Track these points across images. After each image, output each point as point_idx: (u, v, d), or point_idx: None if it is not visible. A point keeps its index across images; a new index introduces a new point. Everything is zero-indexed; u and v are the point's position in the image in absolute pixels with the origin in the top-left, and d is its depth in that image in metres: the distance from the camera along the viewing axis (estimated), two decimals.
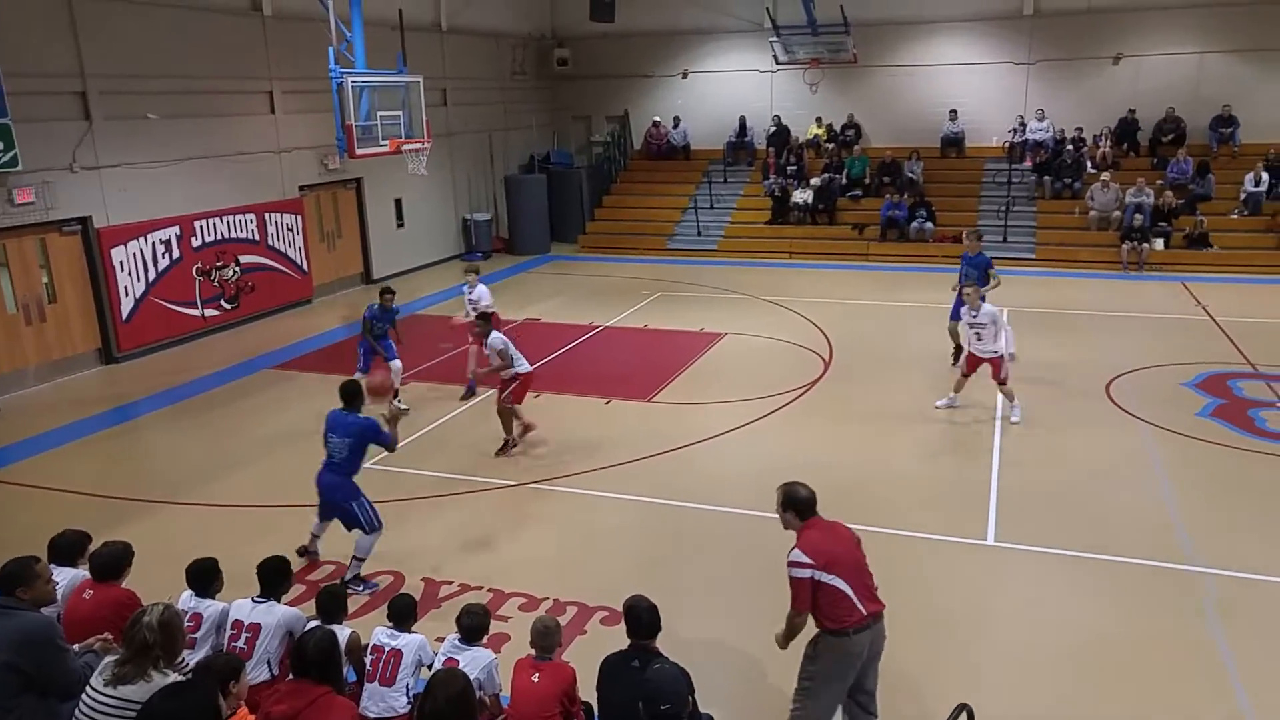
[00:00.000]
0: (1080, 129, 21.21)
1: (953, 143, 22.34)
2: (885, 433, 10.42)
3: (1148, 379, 11.95)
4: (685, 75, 24.52)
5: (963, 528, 8.14)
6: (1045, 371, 12.14)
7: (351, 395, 7.17)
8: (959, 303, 12.56)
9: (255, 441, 10.58)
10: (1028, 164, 21.24)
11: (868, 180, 21.86)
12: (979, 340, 10.53)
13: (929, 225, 20.33)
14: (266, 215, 16.34)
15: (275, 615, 5.10)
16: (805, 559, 4.71)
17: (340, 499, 7.11)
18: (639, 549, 7.97)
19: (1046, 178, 20.84)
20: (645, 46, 24.53)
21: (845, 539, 4.93)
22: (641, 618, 4.74)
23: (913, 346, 13.70)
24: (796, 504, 4.93)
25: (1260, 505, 8.48)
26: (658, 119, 24.65)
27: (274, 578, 5.27)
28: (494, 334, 9.76)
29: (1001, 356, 10.43)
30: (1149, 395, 11.29)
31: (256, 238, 16.12)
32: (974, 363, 10.66)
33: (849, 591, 4.72)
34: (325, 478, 7.16)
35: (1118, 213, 19.47)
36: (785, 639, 4.95)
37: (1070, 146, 21.04)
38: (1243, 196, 19.17)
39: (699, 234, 22.19)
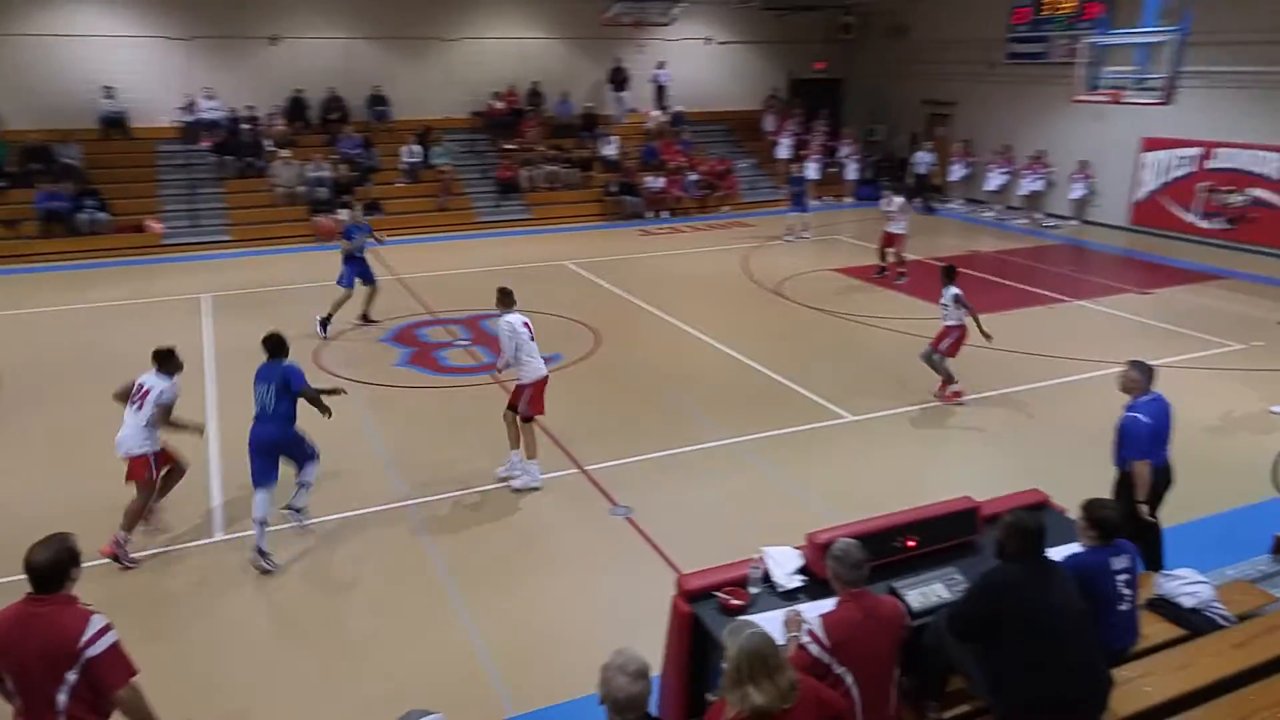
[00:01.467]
0: (253, 107, 21.14)
1: (115, 123, 20.18)
2: (80, 457, 8.88)
3: (351, 340, 12.52)
4: None
5: (186, 532, 7.41)
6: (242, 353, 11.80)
7: (275, 342, 7.12)
8: (352, 270, 12.85)
9: None
10: (205, 144, 20.41)
11: (13, 169, 18.45)
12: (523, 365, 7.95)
13: (102, 215, 18.13)
14: None
15: None
16: None
17: (283, 443, 7.00)
18: None
19: (228, 157, 20.34)
20: None
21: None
22: None
23: (115, 351, 12.08)
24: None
25: (454, 431, 9.54)
26: None
27: None
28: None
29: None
30: (353, 355, 11.84)
31: None
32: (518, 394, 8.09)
33: None
34: (263, 431, 6.92)
35: (302, 188, 20.06)
36: None
37: (246, 125, 20.88)
38: (403, 166, 21.46)
39: None
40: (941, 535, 5.03)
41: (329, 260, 17.69)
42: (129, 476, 6.97)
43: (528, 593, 6.63)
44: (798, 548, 4.91)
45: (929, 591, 4.55)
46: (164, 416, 6.95)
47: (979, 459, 8.92)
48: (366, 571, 6.94)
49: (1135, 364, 6.26)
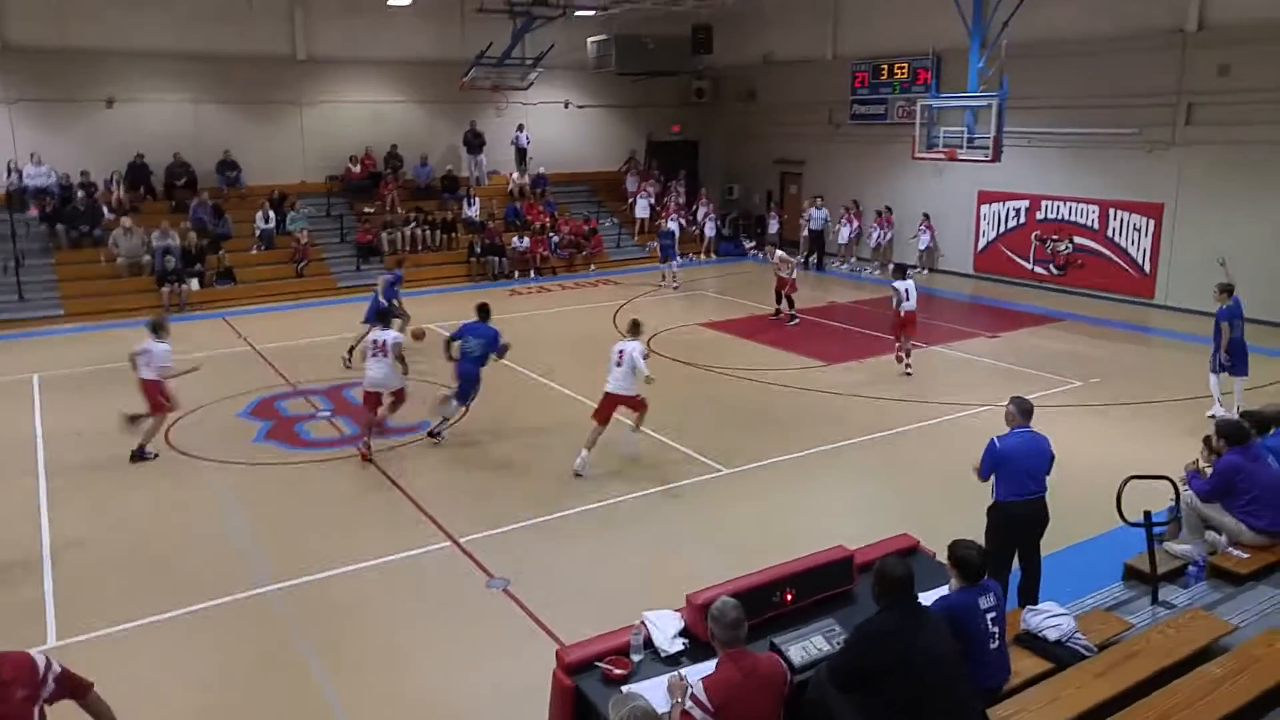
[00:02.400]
0: (86, 173, 19.94)
1: None
2: None
3: (204, 417, 11.77)
4: None
5: (14, 636, 6.65)
6: (77, 437, 10.91)
7: (484, 310, 10.69)
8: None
9: None
10: (33, 212, 19.09)
11: None
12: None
13: None
14: None
15: None
16: None
17: (475, 378, 10.48)
18: None
19: (60, 226, 19.08)
20: None
21: None
22: None
23: None
24: None
25: (318, 508, 9.06)
26: None
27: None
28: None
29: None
30: (207, 433, 11.13)
31: None
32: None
33: None
34: (466, 367, 10.42)
35: (148, 257, 19.00)
36: None
37: (81, 192, 19.67)
38: (257, 233, 20.66)
39: None
40: (819, 587, 5.06)
41: (178, 331, 16.73)
42: (379, 404, 10.20)
43: (403, 674, 6.27)
44: (677, 610, 4.83)
45: (809, 645, 4.54)
46: (400, 356, 10.05)
47: (854, 506, 9.11)
48: (228, 662, 6.41)
49: (1013, 399, 6.68)
